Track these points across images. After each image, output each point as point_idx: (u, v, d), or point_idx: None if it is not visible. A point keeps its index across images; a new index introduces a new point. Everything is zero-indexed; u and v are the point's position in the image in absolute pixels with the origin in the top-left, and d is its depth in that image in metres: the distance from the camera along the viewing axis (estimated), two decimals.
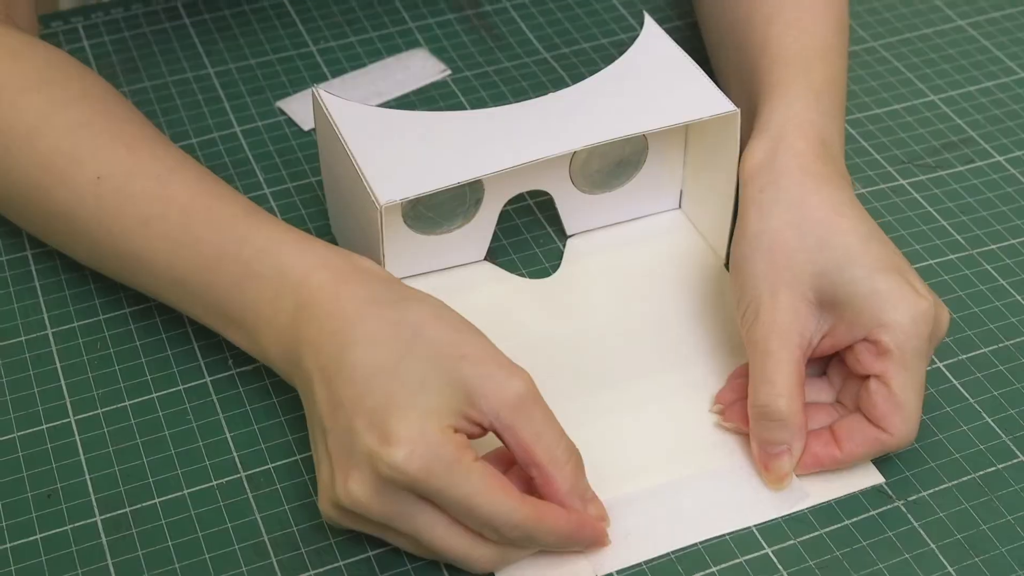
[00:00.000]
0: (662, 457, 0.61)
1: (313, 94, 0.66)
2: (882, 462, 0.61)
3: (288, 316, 0.57)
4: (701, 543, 0.58)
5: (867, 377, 0.59)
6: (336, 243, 0.70)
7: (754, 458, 0.60)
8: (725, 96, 0.66)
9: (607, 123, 0.65)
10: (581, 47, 0.85)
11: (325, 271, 0.57)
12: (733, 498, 0.59)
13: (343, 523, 0.56)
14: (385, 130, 0.64)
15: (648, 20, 0.71)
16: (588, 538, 0.56)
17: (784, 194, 0.61)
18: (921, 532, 0.58)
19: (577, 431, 0.57)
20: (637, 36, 0.70)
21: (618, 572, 0.57)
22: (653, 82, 0.67)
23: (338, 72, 0.82)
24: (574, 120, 0.65)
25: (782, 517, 0.59)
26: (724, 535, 0.58)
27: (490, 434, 0.55)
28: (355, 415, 0.53)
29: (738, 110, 0.65)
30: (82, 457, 0.61)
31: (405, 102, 0.80)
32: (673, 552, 0.57)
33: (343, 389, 0.54)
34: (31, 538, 0.58)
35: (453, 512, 0.53)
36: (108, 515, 0.59)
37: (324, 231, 0.71)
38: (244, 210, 0.61)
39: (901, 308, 0.58)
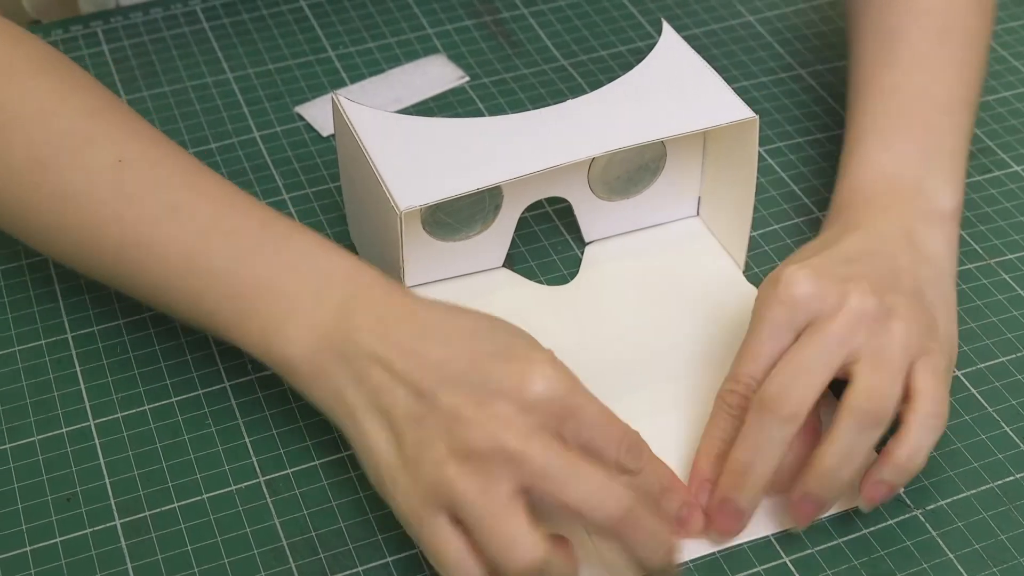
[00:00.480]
0: (678, 465, 0.61)
1: (333, 100, 0.66)
2: None
3: (333, 307, 0.57)
4: (719, 552, 0.58)
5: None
6: (355, 249, 0.71)
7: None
8: (743, 103, 0.66)
9: (626, 129, 0.65)
10: (599, 54, 0.85)
11: (373, 270, 0.58)
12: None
13: (460, 482, 0.52)
14: (405, 136, 0.64)
15: (666, 27, 0.71)
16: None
17: (827, 231, 0.63)
18: (939, 541, 0.58)
19: None
20: (655, 43, 0.70)
21: None
22: (671, 89, 0.67)
23: (357, 77, 0.82)
24: (593, 126, 0.65)
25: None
26: (742, 544, 0.58)
27: None
28: (474, 360, 0.54)
29: (756, 116, 0.65)
30: (102, 461, 0.61)
31: (423, 108, 0.80)
32: (692, 561, 0.57)
33: (438, 350, 0.54)
34: (51, 541, 0.58)
35: (588, 431, 0.53)
36: (128, 519, 0.59)
37: (343, 237, 0.72)
38: (280, 215, 0.61)
39: (765, 284, 0.60)
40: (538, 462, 0.52)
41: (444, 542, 0.52)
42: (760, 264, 0.70)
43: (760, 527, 0.58)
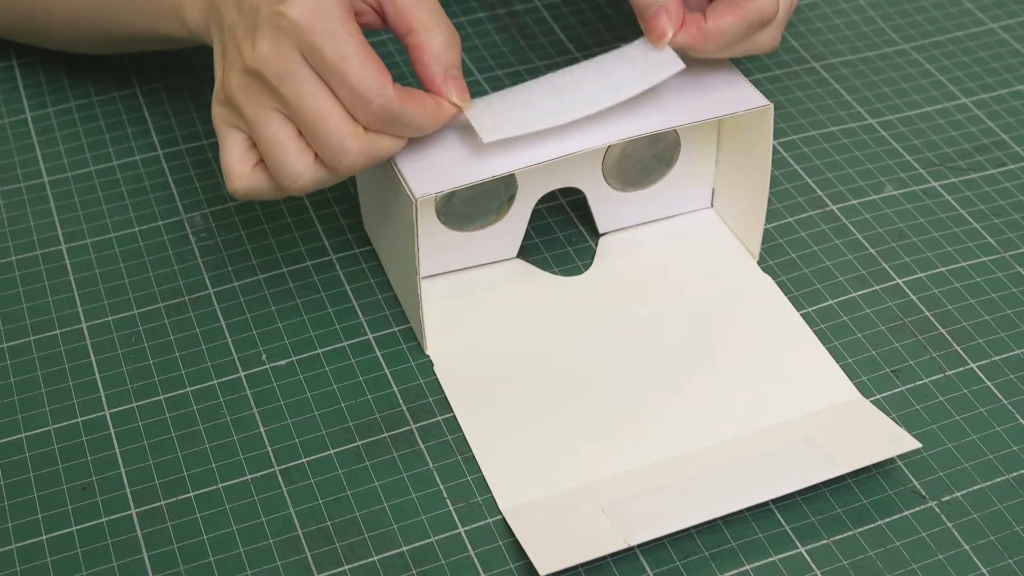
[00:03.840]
0: (691, 450, 0.61)
1: None
2: (915, 463, 0.61)
3: None
4: (736, 542, 0.58)
5: None
6: (368, 241, 0.71)
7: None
8: (758, 91, 0.66)
9: (640, 118, 0.65)
10: (613, 47, 0.85)
11: None
12: (759, 473, 0.59)
13: (237, 99, 0.59)
14: None
15: None
16: (443, 119, 0.61)
17: None
18: (955, 533, 0.58)
19: (608, 418, 0.59)
20: None
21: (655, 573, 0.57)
22: (686, 78, 0.67)
23: None
24: (607, 115, 0.65)
25: (816, 517, 0.59)
26: (759, 535, 0.58)
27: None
28: None
29: (771, 105, 0.65)
30: (117, 450, 0.61)
31: None
32: (708, 550, 0.57)
33: None
34: (67, 530, 0.58)
35: (329, 75, 0.58)
36: (143, 508, 0.59)
37: (357, 228, 0.72)
38: None
39: None
40: (278, 124, 0.59)
41: (227, 148, 0.61)
42: (774, 256, 0.70)
43: (769, 489, 0.58)
